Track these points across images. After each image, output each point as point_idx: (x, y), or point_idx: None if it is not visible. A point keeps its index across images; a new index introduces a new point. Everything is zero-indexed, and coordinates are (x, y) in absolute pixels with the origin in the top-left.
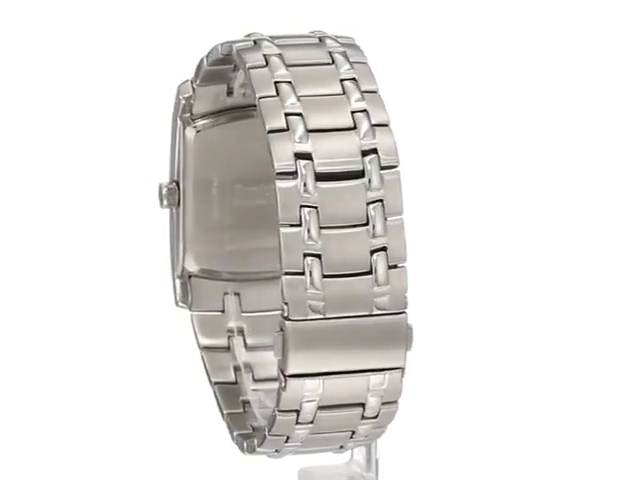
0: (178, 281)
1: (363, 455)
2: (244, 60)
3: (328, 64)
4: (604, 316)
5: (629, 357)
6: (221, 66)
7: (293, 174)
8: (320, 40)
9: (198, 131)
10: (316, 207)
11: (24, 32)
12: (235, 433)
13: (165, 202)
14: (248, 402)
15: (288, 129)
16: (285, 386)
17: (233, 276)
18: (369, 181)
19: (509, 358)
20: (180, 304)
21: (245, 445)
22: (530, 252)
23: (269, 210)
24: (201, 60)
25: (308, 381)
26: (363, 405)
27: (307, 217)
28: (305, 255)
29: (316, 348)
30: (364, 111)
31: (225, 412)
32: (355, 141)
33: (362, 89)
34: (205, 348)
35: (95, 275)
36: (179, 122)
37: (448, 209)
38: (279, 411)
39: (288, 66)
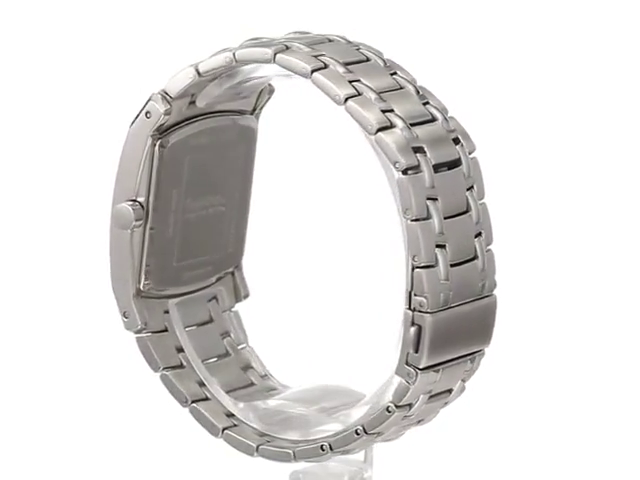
0: (133, 302)
1: (362, 453)
2: (301, 64)
3: (368, 60)
4: None
5: None
6: (205, 77)
7: (416, 168)
8: (329, 40)
9: (164, 146)
10: (437, 198)
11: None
12: (256, 445)
13: (134, 223)
14: (232, 414)
15: (392, 125)
16: (416, 380)
17: (176, 292)
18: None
19: (519, 353)
20: (138, 326)
21: (296, 453)
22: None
23: (216, 222)
24: (187, 71)
25: (432, 372)
26: (451, 391)
27: (432, 209)
28: (436, 246)
29: (443, 338)
30: (428, 102)
31: (221, 427)
32: (444, 130)
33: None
34: (167, 368)
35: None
36: (149, 139)
37: None
38: (397, 406)
39: (344, 65)
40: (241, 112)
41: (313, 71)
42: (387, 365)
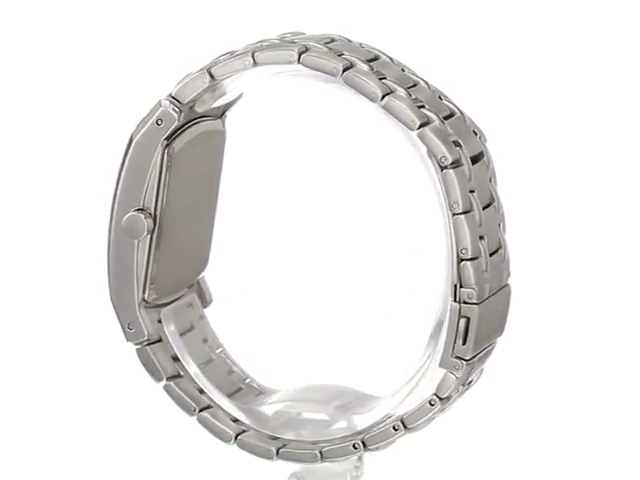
0: (138, 313)
1: None
2: (331, 63)
3: (378, 58)
4: None
5: None
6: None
7: (458, 161)
8: (333, 40)
9: (170, 153)
10: (474, 190)
11: None
12: (276, 448)
13: (144, 233)
14: (236, 420)
15: (429, 121)
16: (462, 371)
17: (167, 300)
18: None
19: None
20: (145, 337)
21: (323, 453)
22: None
23: (196, 227)
24: (200, 77)
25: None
26: (472, 382)
27: (473, 201)
28: (479, 238)
29: (484, 329)
30: (441, 97)
31: (233, 434)
32: (465, 123)
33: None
34: (169, 378)
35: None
36: (160, 147)
37: None
38: (441, 399)
39: (367, 63)
40: (215, 116)
41: (344, 70)
42: (383, 362)
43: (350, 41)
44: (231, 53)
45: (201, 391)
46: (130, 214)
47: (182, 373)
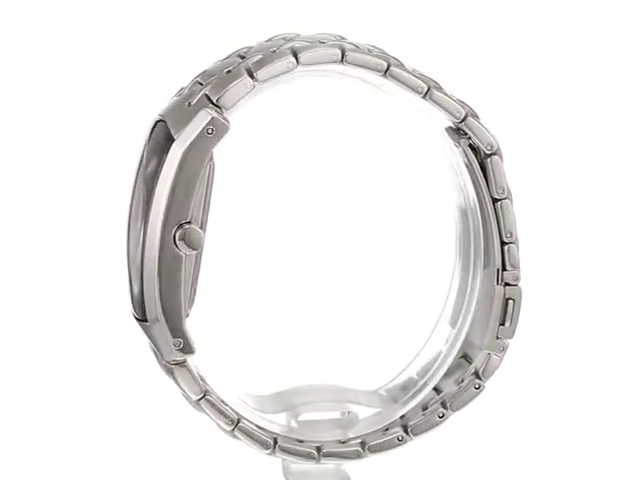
0: (186, 328)
1: None
2: (376, 60)
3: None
4: None
5: None
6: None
7: (499, 147)
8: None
9: (213, 163)
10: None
11: None
12: (317, 451)
13: (202, 245)
14: (261, 428)
15: (468, 116)
16: (505, 352)
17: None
18: None
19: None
20: (192, 352)
21: (370, 447)
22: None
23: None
24: (244, 82)
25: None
26: None
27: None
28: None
29: None
30: None
31: (271, 442)
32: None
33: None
34: (205, 393)
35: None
36: (209, 157)
37: None
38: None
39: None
40: None
41: (389, 66)
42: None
43: (346, 39)
44: (253, 57)
45: (225, 403)
46: (186, 227)
47: (207, 388)
